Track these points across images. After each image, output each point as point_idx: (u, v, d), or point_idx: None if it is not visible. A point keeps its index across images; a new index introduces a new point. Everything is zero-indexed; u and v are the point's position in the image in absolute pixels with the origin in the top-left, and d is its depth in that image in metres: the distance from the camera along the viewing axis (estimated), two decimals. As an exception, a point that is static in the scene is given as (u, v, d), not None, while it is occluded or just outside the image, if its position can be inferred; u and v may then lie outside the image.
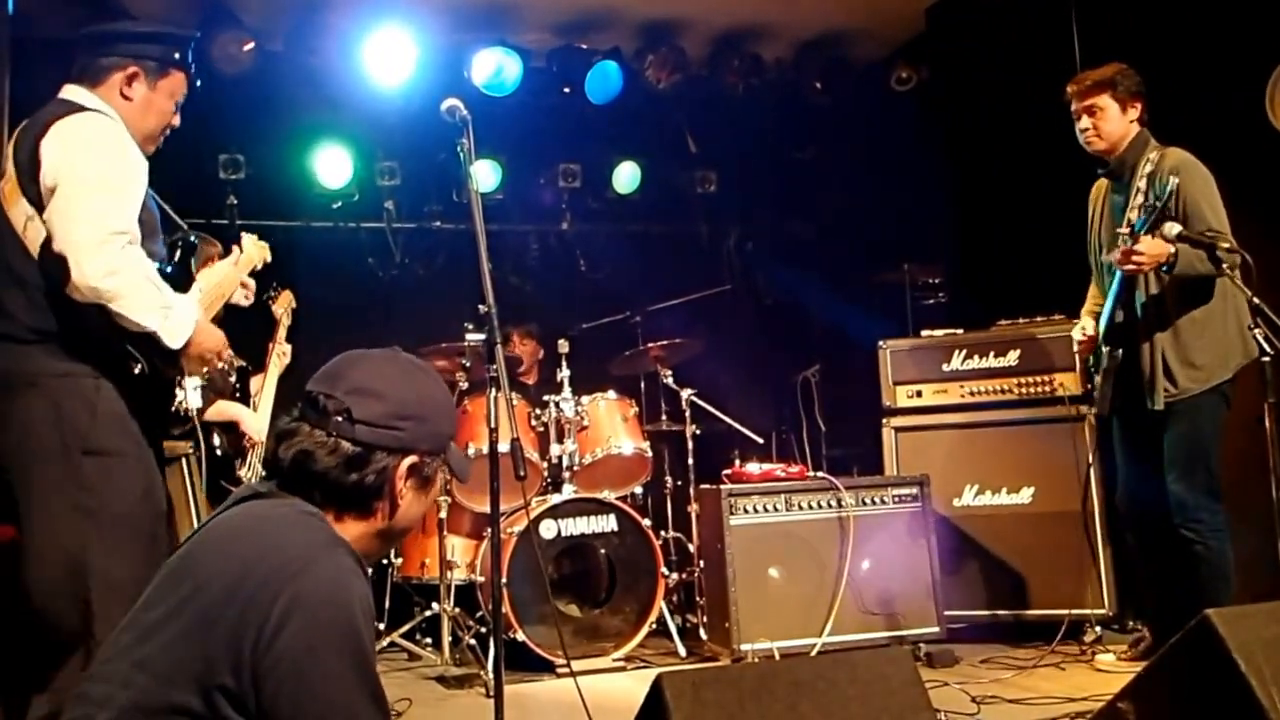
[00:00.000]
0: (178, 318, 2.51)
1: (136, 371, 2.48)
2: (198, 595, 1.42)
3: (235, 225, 5.73)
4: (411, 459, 1.61)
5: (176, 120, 2.79)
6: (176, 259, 2.75)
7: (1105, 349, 3.70)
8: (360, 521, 1.60)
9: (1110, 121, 3.69)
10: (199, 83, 2.89)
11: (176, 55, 2.72)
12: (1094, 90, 3.68)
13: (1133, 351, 3.63)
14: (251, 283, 3.14)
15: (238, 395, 3.32)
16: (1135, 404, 3.68)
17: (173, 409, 2.56)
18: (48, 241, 2.44)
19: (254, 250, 3.25)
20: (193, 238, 2.84)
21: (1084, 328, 3.86)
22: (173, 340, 2.49)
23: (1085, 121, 3.71)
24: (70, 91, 2.64)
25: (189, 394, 2.64)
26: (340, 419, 1.56)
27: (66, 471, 2.44)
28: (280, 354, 3.89)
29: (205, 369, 2.67)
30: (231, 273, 3.05)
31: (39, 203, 2.47)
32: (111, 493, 2.46)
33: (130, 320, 2.43)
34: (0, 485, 2.50)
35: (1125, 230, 3.49)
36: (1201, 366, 3.55)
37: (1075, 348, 3.94)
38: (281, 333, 3.89)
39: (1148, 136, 3.71)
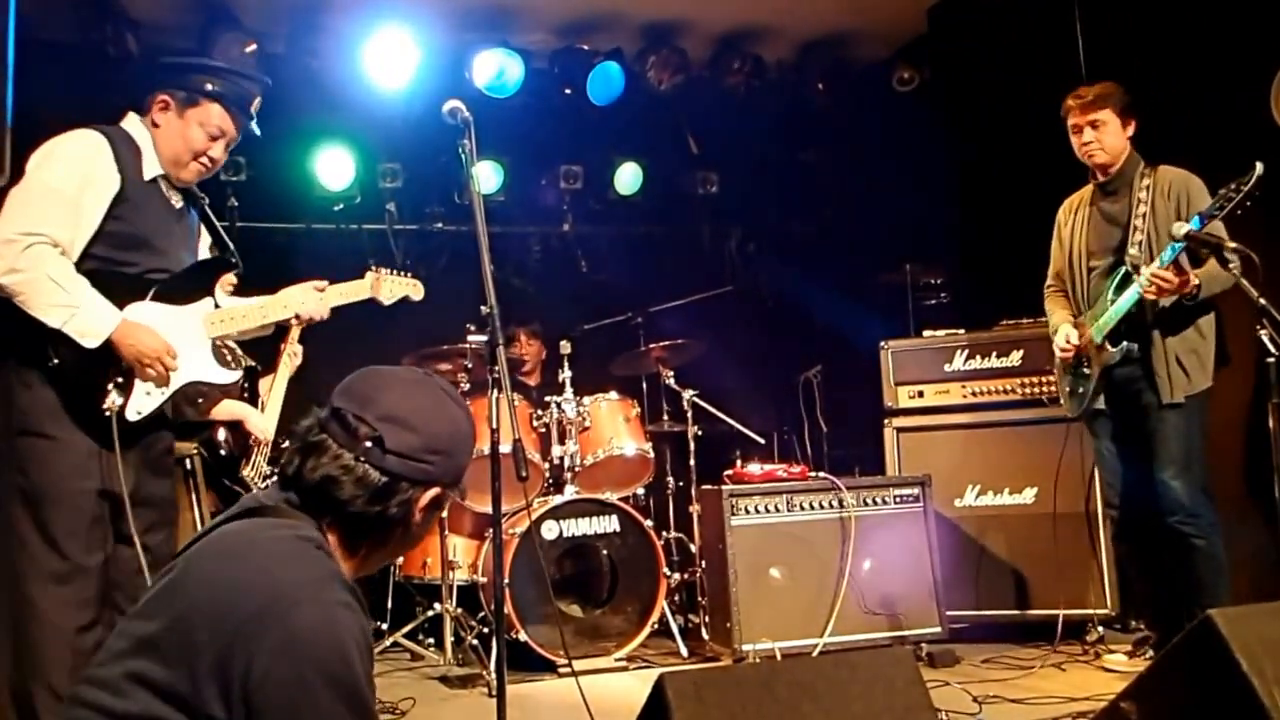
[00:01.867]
0: (86, 319, 2.58)
1: (51, 364, 2.58)
2: (188, 615, 1.40)
3: (236, 228, 5.75)
4: (434, 491, 1.59)
5: (215, 151, 2.88)
6: (187, 273, 2.87)
7: (1110, 349, 3.71)
8: (372, 546, 1.59)
9: (1112, 135, 3.80)
10: (254, 117, 2.93)
11: (210, 86, 2.82)
12: (1098, 104, 3.78)
13: (1145, 348, 3.68)
14: (316, 316, 3.15)
15: (245, 395, 3.31)
16: (1131, 403, 3.74)
17: (104, 407, 2.60)
18: None
19: (382, 284, 3.28)
20: (232, 259, 2.99)
21: (1068, 335, 3.89)
22: (83, 339, 2.58)
23: (1089, 134, 3.81)
24: (127, 116, 2.85)
25: (137, 397, 2.68)
26: (370, 445, 1.53)
27: (6, 450, 2.58)
28: (292, 354, 3.87)
29: (147, 369, 2.68)
30: (296, 296, 3.10)
31: None
32: (42, 473, 2.58)
33: (35, 317, 2.55)
34: None
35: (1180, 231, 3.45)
36: (1206, 366, 3.66)
37: (1059, 353, 3.93)
38: (295, 333, 3.88)
39: (1138, 155, 3.84)
